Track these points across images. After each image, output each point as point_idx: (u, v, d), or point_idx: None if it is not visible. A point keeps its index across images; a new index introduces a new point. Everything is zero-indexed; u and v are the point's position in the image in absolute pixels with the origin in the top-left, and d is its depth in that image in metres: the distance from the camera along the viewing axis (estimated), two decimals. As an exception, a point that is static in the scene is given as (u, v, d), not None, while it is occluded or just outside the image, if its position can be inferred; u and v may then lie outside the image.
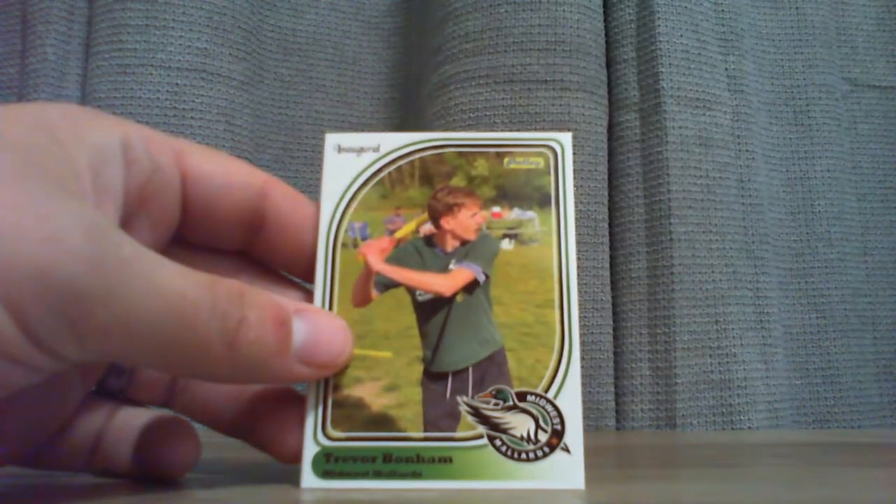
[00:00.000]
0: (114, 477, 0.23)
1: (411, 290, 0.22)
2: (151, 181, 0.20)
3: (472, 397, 0.21)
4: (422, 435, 0.21)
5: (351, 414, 0.21)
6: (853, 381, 0.51)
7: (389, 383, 0.21)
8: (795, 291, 0.52)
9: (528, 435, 0.20)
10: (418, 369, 0.21)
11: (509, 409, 0.21)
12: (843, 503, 0.19)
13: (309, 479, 0.20)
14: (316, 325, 0.20)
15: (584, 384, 0.46)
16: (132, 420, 0.22)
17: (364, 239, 0.23)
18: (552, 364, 0.21)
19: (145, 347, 0.17)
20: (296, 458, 0.21)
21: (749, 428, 0.45)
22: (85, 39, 0.51)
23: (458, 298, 0.22)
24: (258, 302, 0.19)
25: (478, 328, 0.22)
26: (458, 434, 0.21)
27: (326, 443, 0.21)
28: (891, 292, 0.54)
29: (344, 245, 0.22)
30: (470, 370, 0.21)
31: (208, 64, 0.49)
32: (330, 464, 0.20)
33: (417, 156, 0.23)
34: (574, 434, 0.20)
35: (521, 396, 0.21)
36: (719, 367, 0.46)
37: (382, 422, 0.21)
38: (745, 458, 0.30)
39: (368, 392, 0.21)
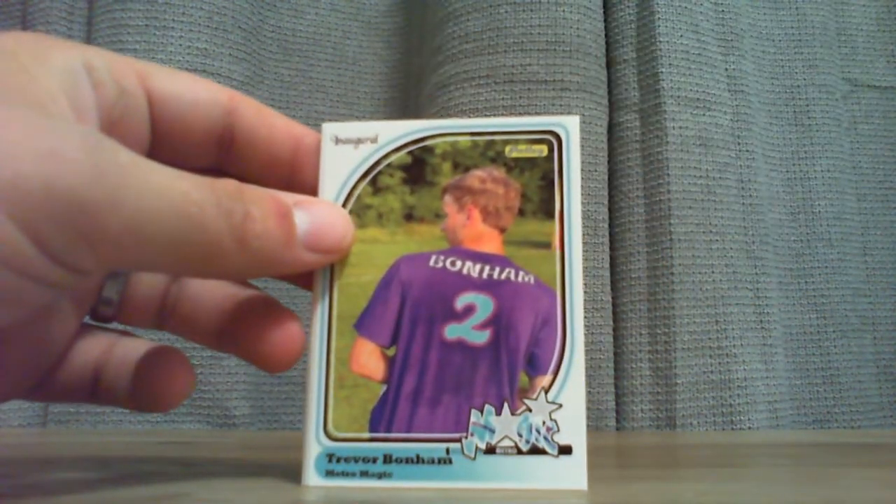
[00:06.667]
0: (117, 408, 0.23)
1: None
2: (118, 104, 0.20)
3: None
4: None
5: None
6: (853, 381, 0.51)
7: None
8: (795, 292, 0.52)
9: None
10: (419, 369, 0.21)
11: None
12: (843, 503, 0.19)
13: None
14: (316, 213, 0.20)
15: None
16: (132, 352, 0.22)
17: None
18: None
19: (158, 251, 0.17)
20: (284, 366, 0.21)
21: (749, 428, 0.45)
22: (85, 40, 0.51)
23: None
24: (258, 196, 0.19)
25: None
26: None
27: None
28: (891, 292, 0.54)
29: None
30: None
31: (208, 64, 0.49)
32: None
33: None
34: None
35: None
36: (719, 367, 0.46)
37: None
38: (745, 458, 0.30)
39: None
